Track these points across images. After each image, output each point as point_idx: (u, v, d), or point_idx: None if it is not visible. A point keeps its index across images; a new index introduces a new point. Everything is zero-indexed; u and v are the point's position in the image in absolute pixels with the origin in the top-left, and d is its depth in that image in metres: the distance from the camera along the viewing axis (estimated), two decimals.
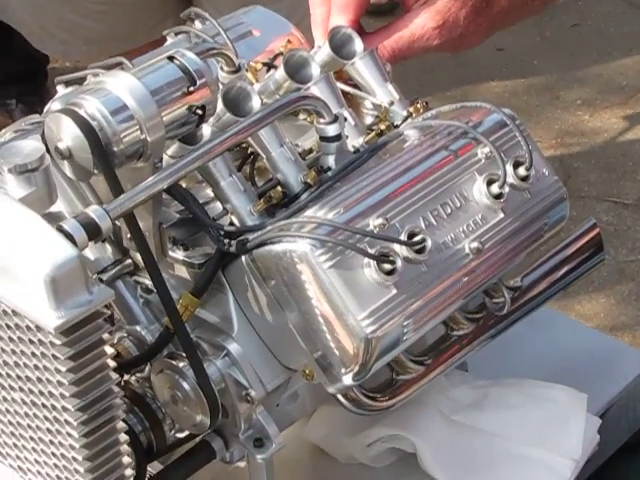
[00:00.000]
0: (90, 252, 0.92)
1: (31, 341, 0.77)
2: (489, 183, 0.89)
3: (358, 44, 0.97)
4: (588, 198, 2.48)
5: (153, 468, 0.93)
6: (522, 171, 0.90)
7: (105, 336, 0.77)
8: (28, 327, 0.76)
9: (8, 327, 0.78)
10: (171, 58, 0.85)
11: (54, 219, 0.79)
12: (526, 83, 2.87)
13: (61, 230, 0.77)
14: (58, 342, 0.75)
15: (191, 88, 0.84)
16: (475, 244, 0.87)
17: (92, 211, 0.79)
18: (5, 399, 0.82)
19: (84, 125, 0.80)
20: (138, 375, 0.92)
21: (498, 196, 0.89)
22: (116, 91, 0.82)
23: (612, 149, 2.63)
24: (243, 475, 0.93)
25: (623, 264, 2.32)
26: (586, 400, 1.05)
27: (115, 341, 0.92)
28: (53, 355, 0.76)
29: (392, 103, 0.96)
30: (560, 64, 2.90)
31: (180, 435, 0.93)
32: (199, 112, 0.85)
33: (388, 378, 0.93)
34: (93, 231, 0.78)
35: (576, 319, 2.15)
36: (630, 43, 2.93)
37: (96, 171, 0.82)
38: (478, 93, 2.80)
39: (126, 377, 0.92)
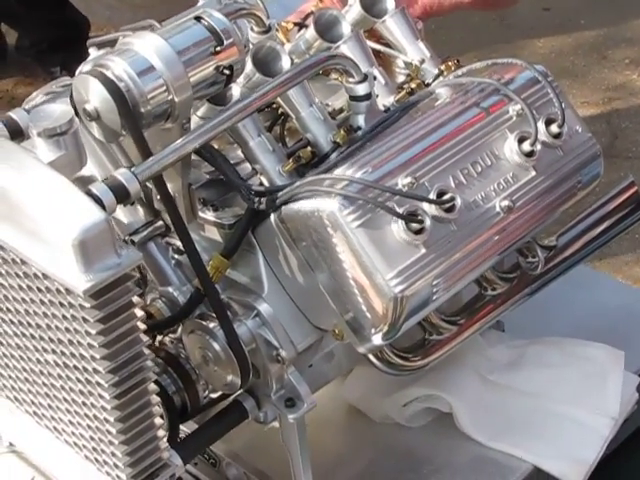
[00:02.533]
0: (122, 214, 0.92)
1: (61, 304, 0.77)
2: (520, 141, 0.88)
3: (389, 2, 0.97)
4: (636, 158, 2.44)
5: (188, 427, 0.94)
6: (554, 128, 0.89)
7: (135, 299, 0.78)
8: (58, 290, 0.77)
9: (39, 290, 0.78)
10: (198, 18, 0.85)
11: (86, 182, 0.80)
12: (573, 43, 2.82)
13: (90, 194, 0.77)
14: (87, 305, 0.75)
15: (218, 48, 0.84)
16: (506, 202, 0.86)
17: (120, 174, 0.79)
18: (39, 361, 0.83)
19: (111, 86, 0.80)
20: (172, 336, 0.93)
21: (530, 154, 0.88)
22: (143, 52, 0.82)
23: None
24: (278, 436, 0.93)
25: None
26: (623, 357, 1.04)
27: (148, 302, 0.92)
28: (83, 318, 0.76)
29: (423, 61, 0.95)
30: (607, 23, 2.85)
31: (214, 395, 0.93)
32: (227, 72, 0.84)
33: (420, 338, 0.93)
34: (122, 194, 0.78)
35: (623, 281, 2.13)
36: None
37: (124, 132, 0.82)
38: (524, 54, 2.76)
39: (160, 338, 0.93)
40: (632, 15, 2.86)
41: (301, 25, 1.00)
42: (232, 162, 0.89)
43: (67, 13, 2.20)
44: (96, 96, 0.81)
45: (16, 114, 0.87)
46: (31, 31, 2.82)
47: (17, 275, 0.79)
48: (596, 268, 2.09)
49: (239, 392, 0.91)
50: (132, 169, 0.80)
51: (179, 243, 0.91)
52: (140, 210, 0.93)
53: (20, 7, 2.72)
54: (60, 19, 2.65)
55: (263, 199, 0.85)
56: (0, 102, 2.89)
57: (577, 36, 2.84)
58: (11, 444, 0.95)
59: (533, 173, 0.88)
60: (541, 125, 0.88)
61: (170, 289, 0.92)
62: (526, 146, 0.87)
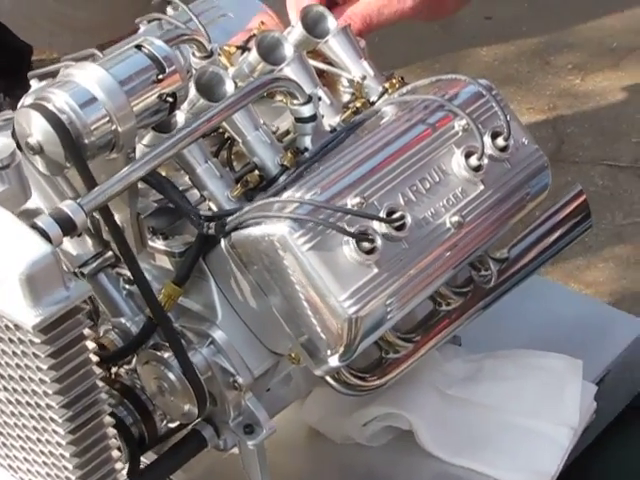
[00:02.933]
0: (71, 246, 0.91)
1: (11, 340, 0.76)
2: (467, 155, 0.88)
3: (331, 22, 0.96)
4: (583, 163, 2.47)
5: (147, 459, 0.93)
6: (500, 141, 0.89)
7: (86, 331, 0.77)
8: (7, 326, 0.76)
9: None
10: (139, 47, 0.84)
11: (31, 215, 0.78)
12: (516, 50, 2.85)
13: (35, 227, 0.76)
14: (37, 340, 0.74)
15: (160, 76, 0.83)
16: (456, 218, 0.86)
17: (66, 206, 0.78)
18: None
19: (53, 119, 0.80)
20: (126, 367, 0.92)
21: (477, 168, 0.88)
22: (84, 83, 0.81)
23: (605, 112, 2.61)
24: (238, 462, 0.93)
25: (620, 227, 2.31)
26: (582, 367, 1.04)
27: (101, 334, 0.91)
28: (34, 353, 0.75)
29: (364, 77, 0.94)
30: (549, 29, 2.88)
31: (172, 425, 0.92)
32: (170, 100, 0.84)
33: (377, 357, 0.92)
34: (68, 226, 0.77)
35: (575, 286, 2.14)
36: (619, 5, 2.91)
37: (68, 165, 0.81)
38: (467, 63, 2.78)
39: (115, 370, 0.92)
40: (573, 21, 2.89)
41: (244, 48, 0.99)
42: (180, 189, 0.88)
43: (8, 40, 2.17)
44: (38, 129, 0.80)
45: None
46: None
47: None
48: (548, 274, 2.11)
49: (197, 421, 0.90)
50: (78, 200, 0.79)
51: (130, 273, 0.90)
52: (89, 241, 0.92)
53: None
54: (1, 44, 2.62)
55: (212, 224, 0.85)
56: None
57: (520, 43, 2.86)
58: None
59: (482, 187, 0.88)
60: (487, 139, 0.89)
61: (122, 320, 0.91)
62: (473, 161, 0.88)
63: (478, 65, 2.77)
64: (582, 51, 2.79)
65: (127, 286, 0.92)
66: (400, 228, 0.83)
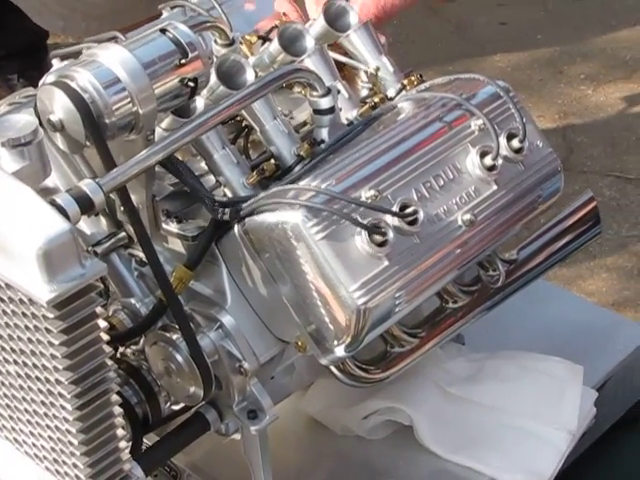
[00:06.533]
0: (85, 225, 0.92)
1: (24, 314, 0.77)
2: (482, 155, 0.89)
3: (353, 17, 0.97)
4: (591, 173, 2.47)
5: (149, 440, 0.93)
6: (516, 143, 0.90)
7: (98, 309, 0.77)
8: (21, 300, 0.76)
9: (2, 300, 0.78)
10: (163, 31, 0.85)
11: (49, 193, 0.79)
12: (529, 57, 2.85)
13: (54, 204, 0.77)
14: (51, 315, 0.75)
15: (183, 60, 0.84)
16: (468, 216, 0.87)
17: (85, 185, 0.79)
18: (0, 372, 0.83)
19: (76, 97, 0.80)
20: (133, 348, 0.93)
21: (491, 168, 0.89)
22: (108, 64, 0.82)
23: (615, 124, 2.61)
24: (238, 448, 0.94)
25: (626, 239, 2.31)
26: (582, 372, 1.05)
27: (110, 314, 0.92)
28: (46, 328, 0.76)
29: (378, 68, 0.95)
30: (564, 38, 2.88)
31: (176, 407, 0.93)
32: (191, 84, 0.85)
33: (382, 350, 0.93)
34: (86, 205, 0.78)
35: (578, 294, 2.15)
36: (634, 17, 2.91)
37: (88, 143, 0.82)
38: (481, 68, 2.78)
39: (122, 350, 0.93)
40: (588, 31, 2.89)
41: (265, 38, 1.00)
42: (196, 174, 0.89)
43: (23, 23, 2.19)
44: (61, 107, 0.81)
45: None
46: None
47: None
48: (550, 281, 2.11)
49: (201, 404, 0.91)
50: (97, 180, 0.80)
51: (142, 255, 0.91)
52: (103, 221, 0.93)
53: None
54: (17, 27, 2.63)
55: (227, 210, 0.85)
56: None
57: (534, 51, 2.87)
58: None
59: (495, 187, 0.89)
60: (503, 140, 0.89)
61: (132, 300, 0.92)
62: (488, 160, 0.88)
63: (491, 70, 2.77)
64: (595, 62, 2.80)
65: (138, 267, 0.93)
66: (412, 223, 0.84)
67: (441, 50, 2.83)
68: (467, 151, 0.89)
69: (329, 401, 1.05)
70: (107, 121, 0.81)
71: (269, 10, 1.05)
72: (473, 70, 2.80)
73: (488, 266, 0.96)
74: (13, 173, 0.79)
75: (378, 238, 0.82)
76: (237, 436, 0.94)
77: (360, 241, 0.82)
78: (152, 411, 0.91)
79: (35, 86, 0.99)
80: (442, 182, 0.87)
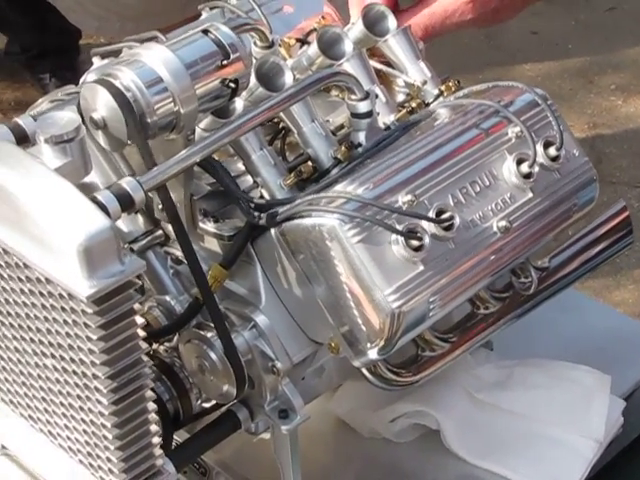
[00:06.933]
0: (122, 222, 0.93)
1: (63, 309, 0.78)
2: (519, 162, 0.89)
3: (391, 21, 0.98)
4: (619, 184, 2.47)
5: (180, 437, 0.94)
6: (552, 151, 0.90)
7: (136, 306, 0.78)
8: (61, 295, 0.77)
9: (41, 294, 0.79)
10: (205, 32, 0.86)
11: (88, 189, 0.80)
12: (560, 67, 2.85)
13: (95, 201, 0.78)
14: (90, 311, 0.76)
15: (224, 62, 0.85)
16: (503, 223, 0.87)
17: (126, 183, 0.80)
18: (37, 365, 0.84)
19: (119, 96, 0.81)
20: (166, 344, 0.94)
21: (527, 175, 0.89)
22: (151, 63, 0.83)
23: None
24: (267, 447, 0.94)
25: None
26: (610, 382, 1.05)
27: (145, 310, 0.93)
28: (84, 323, 0.77)
29: (425, 82, 0.96)
30: (594, 49, 2.88)
31: (207, 405, 0.94)
32: (232, 85, 0.85)
33: (413, 354, 0.94)
34: (126, 202, 0.79)
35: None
36: None
37: (129, 142, 0.83)
38: (511, 77, 2.79)
39: (155, 346, 0.94)
40: (619, 42, 2.89)
41: (303, 41, 1.01)
42: (233, 174, 0.90)
43: (58, 22, 2.21)
44: (104, 105, 0.82)
45: (22, 120, 0.87)
46: (22, 37, 2.82)
47: (19, 279, 0.80)
48: (577, 290, 2.11)
49: (233, 402, 0.91)
50: (137, 178, 0.81)
51: (178, 253, 0.92)
52: (140, 218, 0.94)
53: (12, 12, 2.72)
54: (51, 26, 2.65)
55: (263, 215, 0.86)
56: None
57: (564, 60, 2.87)
58: (4, 447, 0.96)
59: (530, 195, 0.90)
60: (539, 147, 0.90)
61: (167, 298, 0.93)
62: (524, 168, 0.89)
63: (521, 79, 2.76)
64: (626, 72, 2.79)
65: (174, 265, 0.94)
66: (448, 228, 0.85)
67: (472, 58, 2.84)
68: (504, 158, 0.89)
69: (357, 403, 1.06)
70: (149, 120, 0.82)
71: (308, 13, 1.06)
72: (503, 79, 2.80)
73: (520, 273, 0.97)
74: (55, 169, 0.80)
75: (414, 243, 0.83)
76: (266, 435, 0.95)
77: (396, 245, 0.83)
78: (183, 408, 0.92)
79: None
80: (478, 188, 0.88)
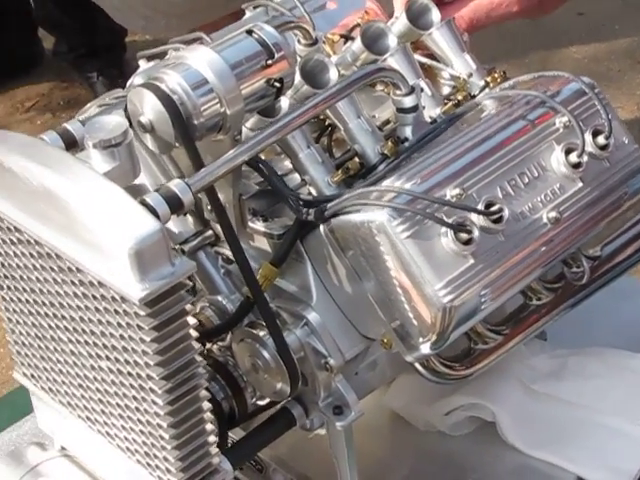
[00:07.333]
0: (172, 223, 0.94)
1: (116, 312, 0.79)
2: (567, 152, 0.88)
3: (435, 14, 0.97)
4: None
5: (235, 434, 0.95)
6: (601, 140, 0.89)
7: (187, 307, 0.79)
8: (113, 298, 0.78)
9: (94, 298, 0.80)
10: (250, 32, 0.86)
11: (137, 192, 0.81)
12: (607, 48, 2.82)
13: (144, 204, 0.78)
14: (142, 313, 0.77)
15: (269, 61, 0.85)
16: (553, 213, 0.87)
17: (174, 185, 0.80)
18: (93, 367, 0.85)
19: (166, 99, 0.82)
20: (220, 344, 0.94)
21: (576, 165, 0.88)
22: (196, 65, 0.83)
23: None
24: (323, 442, 0.95)
25: None
26: None
27: (197, 310, 0.94)
28: (138, 325, 0.78)
29: (470, 75, 0.95)
30: None
31: (261, 402, 0.94)
32: (277, 85, 0.86)
33: (466, 347, 0.93)
34: (175, 205, 0.80)
35: None
36: None
37: (177, 144, 0.84)
38: (557, 59, 2.77)
39: (208, 345, 0.94)
40: None
41: (347, 37, 1.01)
42: (280, 173, 0.90)
43: (103, 21, 2.23)
44: (151, 109, 0.83)
45: (71, 125, 0.88)
46: (69, 37, 2.85)
47: (72, 283, 0.81)
48: (632, 276, 2.09)
49: (287, 399, 0.92)
50: (186, 180, 0.81)
51: (228, 252, 0.93)
52: (190, 219, 0.94)
53: (60, 13, 2.75)
54: (99, 26, 2.68)
55: (311, 210, 0.86)
56: (36, 106, 2.92)
57: (611, 41, 2.84)
58: (63, 448, 0.97)
59: (580, 184, 0.89)
60: (588, 137, 0.89)
61: (219, 297, 0.94)
62: (573, 158, 0.88)
63: (568, 62, 2.75)
64: None
65: (225, 265, 0.94)
66: (498, 221, 0.84)
67: (517, 42, 2.81)
68: (552, 148, 0.89)
69: (411, 397, 1.06)
70: (196, 122, 0.83)
71: (350, 8, 1.06)
72: (549, 62, 2.78)
73: (572, 263, 0.96)
74: (104, 173, 0.81)
75: (463, 236, 0.82)
76: (321, 430, 0.95)
77: (445, 239, 0.83)
78: (238, 406, 0.92)
79: (114, 83, 1.01)
80: (527, 180, 0.87)
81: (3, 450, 1.10)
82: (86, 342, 0.84)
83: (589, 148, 0.89)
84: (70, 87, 2.96)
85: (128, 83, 0.96)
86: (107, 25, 2.47)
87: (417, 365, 0.90)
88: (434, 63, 0.98)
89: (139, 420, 0.83)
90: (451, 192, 0.84)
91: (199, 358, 0.81)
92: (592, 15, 2.90)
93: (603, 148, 0.89)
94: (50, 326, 0.86)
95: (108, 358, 0.82)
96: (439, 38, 0.97)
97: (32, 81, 2.97)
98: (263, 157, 0.90)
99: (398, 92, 0.90)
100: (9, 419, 1.14)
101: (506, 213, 0.85)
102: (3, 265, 0.87)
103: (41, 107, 2.89)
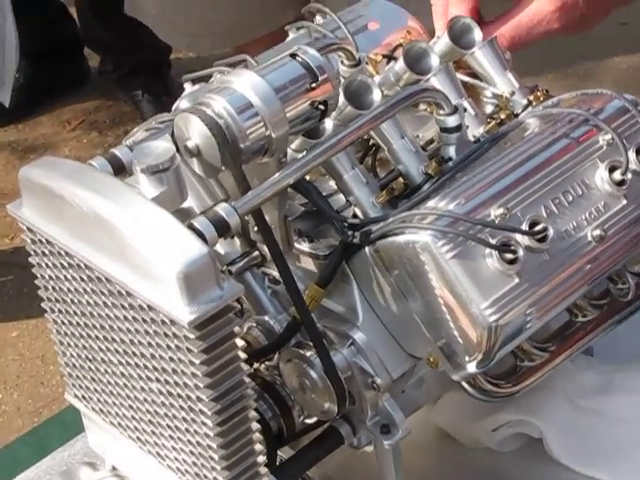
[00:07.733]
0: (219, 245, 0.95)
1: (166, 334, 0.80)
2: (611, 170, 0.89)
3: (477, 33, 0.98)
4: None
5: (283, 453, 0.96)
6: None
7: (236, 329, 0.80)
8: (163, 321, 0.79)
9: (144, 321, 0.81)
10: (293, 55, 0.87)
11: (185, 215, 0.82)
12: None
13: (192, 228, 0.80)
14: (192, 336, 0.78)
15: (313, 84, 0.86)
16: (598, 231, 0.87)
17: (221, 208, 0.82)
18: (143, 389, 0.86)
19: (212, 124, 0.83)
20: (267, 363, 0.95)
21: (620, 183, 0.89)
22: (241, 89, 0.84)
23: None
24: (370, 459, 0.95)
25: None
26: None
27: (244, 331, 0.95)
28: (187, 348, 0.79)
29: (513, 93, 0.96)
30: None
31: (309, 421, 0.95)
32: (321, 107, 0.87)
33: (512, 365, 0.94)
34: (222, 228, 0.81)
35: None
36: None
37: (223, 167, 0.85)
38: (601, 70, 2.76)
39: (255, 365, 0.95)
40: None
41: (390, 57, 1.02)
42: (325, 194, 0.91)
43: (149, 39, 2.26)
44: (197, 133, 0.84)
45: (119, 151, 0.90)
46: (114, 55, 2.89)
47: (122, 307, 0.82)
48: None
49: (335, 418, 0.93)
50: (232, 203, 0.82)
51: (275, 273, 0.94)
52: (237, 241, 0.96)
53: (105, 32, 2.78)
54: (143, 44, 2.70)
55: (357, 233, 0.87)
56: (82, 124, 2.96)
57: None
58: (114, 468, 0.98)
59: (624, 202, 0.89)
60: (632, 154, 0.89)
61: (266, 318, 0.95)
62: (617, 175, 0.89)
63: (612, 72, 2.74)
64: None
65: (272, 285, 0.95)
66: (542, 240, 0.85)
67: (560, 52, 2.80)
68: (596, 166, 0.89)
69: (458, 414, 1.06)
70: (241, 145, 0.84)
71: (393, 28, 1.07)
72: (593, 72, 2.78)
73: (617, 279, 0.96)
74: (153, 198, 0.82)
75: (508, 256, 0.83)
76: (369, 448, 0.96)
77: (490, 259, 0.83)
78: (286, 425, 0.93)
79: (159, 101, 1.03)
80: (571, 198, 0.88)
81: (55, 470, 1.12)
82: (136, 364, 0.85)
83: (633, 165, 0.89)
84: (115, 105, 2.99)
85: (174, 107, 0.98)
86: (152, 43, 2.50)
87: (464, 383, 0.90)
88: (476, 82, 0.98)
89: (189, 441, 0.84)
90: (495, 212, 0.85)
91: (248, 379, 0.82)
92: (635, 25, 2.89)
93: None
94: (100, 349, 0.88)
95: (158, 380, 0.83)
96: (481, 57, 0.98)
97: (78, 100, 3.00)
98: (308, 178, 0.91)
99: (441, 112, 0.91)
100: (60, 439, 1.16)
101: (550, 232, 0.85)
102: (54, 289, 0.89)
103: (87, 125, 2.93)
